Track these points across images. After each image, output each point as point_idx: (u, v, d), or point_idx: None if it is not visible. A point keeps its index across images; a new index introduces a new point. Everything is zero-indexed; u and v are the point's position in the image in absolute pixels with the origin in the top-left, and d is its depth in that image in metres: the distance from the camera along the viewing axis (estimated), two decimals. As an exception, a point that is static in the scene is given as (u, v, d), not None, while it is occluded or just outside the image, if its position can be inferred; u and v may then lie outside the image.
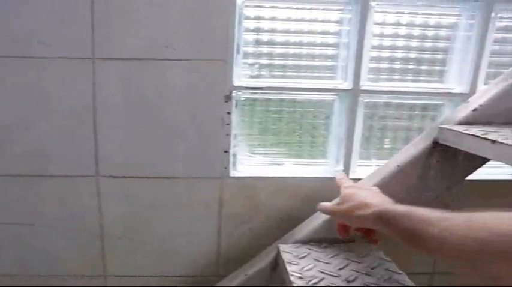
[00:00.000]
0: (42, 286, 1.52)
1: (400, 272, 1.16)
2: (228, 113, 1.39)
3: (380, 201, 0.93)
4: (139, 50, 1.32)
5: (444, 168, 1.28)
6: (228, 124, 1.40)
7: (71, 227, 1.47)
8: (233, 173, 1.46)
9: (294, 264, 1.18)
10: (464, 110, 1.27)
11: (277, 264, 1.33)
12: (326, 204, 1.13)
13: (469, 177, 1.32)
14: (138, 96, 1.36)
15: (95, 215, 1.46)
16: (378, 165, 1.43)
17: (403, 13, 1.42)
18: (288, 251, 1.26)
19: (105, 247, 1.50)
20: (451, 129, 1.19)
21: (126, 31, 1.30)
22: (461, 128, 1.17)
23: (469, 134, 1.10)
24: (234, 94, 1.39)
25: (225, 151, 1.42)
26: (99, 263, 1.52)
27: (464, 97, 1.43)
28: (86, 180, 1.42)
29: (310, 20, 1.39)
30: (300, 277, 1.11)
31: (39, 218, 1.46)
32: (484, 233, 0.55)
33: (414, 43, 1.45)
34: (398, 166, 1.26)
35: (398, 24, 1.42)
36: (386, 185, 1.25)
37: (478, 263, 0.56)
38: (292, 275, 1.12)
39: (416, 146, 1.29)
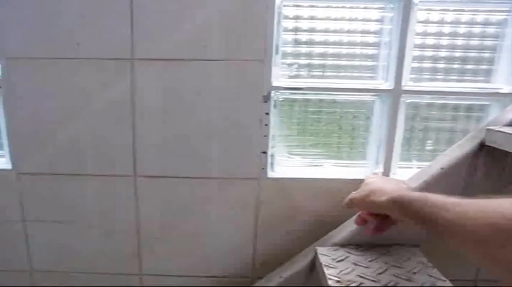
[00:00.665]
0: (78, 285, 1.58)
1: (444, 278, 1.13)
2: (267, 113, 1.39)
3: (396, 188, 0.95)
4: (178, 50, 1.34)
5: (491, 171, 1.24)
6: (266, 125, 1.40)
7: (108, 226, 1.51)
8: (271, 174, 1.46)
9: (331, 267, 1.17)
10: (515, 111, 1.23)
11: (314, 267, 1.32)
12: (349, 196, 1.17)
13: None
14: (176, 96, 1.38)
15: (131, 215, 1.49)
16: (420, 167, 1.40)
17: (448, 10, 1.38)
18: (325, 254, 1.25)
19: (141, 246, 1.53)
20: (499, 131, 1.15)
21: (165, 31, 1.32)
22: (510, 130, 1.13)
23: (519, 136, 1.07)
24: (272, 94, 1.39)
25: (263, 152, 1.42)
26: (135, 262, 1.55)
27: (513, 97, 1.39)
28: (124, 179, 1.45)
29: (350, 19, 1.38)
30: (338, 281, 1.10)
31: (77, 217, 1.50)
32: (496, 218, 0.54)
33: (459, 41, 1.41)
34: (442, 168, 1.23)
35: (442, 22, 1.39)
36: (429, 188, 1.23)
37: (491, 248, 0.55)
38: (329, 278, 1.11)
39: (462, 148, 1.25)
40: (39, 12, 1.31)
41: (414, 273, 1.15)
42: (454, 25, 1.39)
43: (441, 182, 1.24)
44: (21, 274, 1.57)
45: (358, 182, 1.44)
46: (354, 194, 1.14)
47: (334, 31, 1.39)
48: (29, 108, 1.39)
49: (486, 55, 1.42)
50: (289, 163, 1.49)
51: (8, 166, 1.45)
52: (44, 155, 1.43)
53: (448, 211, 0.65)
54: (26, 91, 1.37)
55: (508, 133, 1.11)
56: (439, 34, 1.40)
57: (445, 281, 1.12)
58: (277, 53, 1.37)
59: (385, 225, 1.08)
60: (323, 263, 1.20)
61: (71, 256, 1.55)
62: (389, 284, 1.09)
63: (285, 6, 1.35)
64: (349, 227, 1.32)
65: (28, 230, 1.52)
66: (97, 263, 1.56)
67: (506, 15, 1.39)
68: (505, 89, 1.42)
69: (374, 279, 1.12)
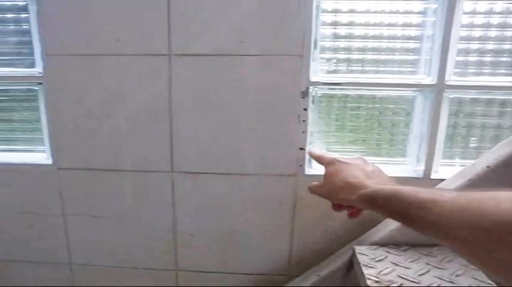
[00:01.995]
0: (114, 279, 1.62)
1: (489, 282, 1.10)
2: (305, 109, 1.38)
3: (363, 179, 0.85)
4: (215, 46, 1.35)
5: (543, 170, 1.20)
6: (304, 121, 1.39)
7: (145, 222, 1.54)
8: (308, 171, 1.45)
9: (370, 267, 1.16)
10: None
11: (351, 266, 1.31)
12: (311, 184, 0.96)
13: None
14: (213, 92, 1.39)
15: (168, 211, 1.52)
16: (463, 165, 1.37)
17: (496, 0, 1.33)
18: (364, 253, 1.24)
19: (177, 242, 1.56)
20: (550, 128, 1.11)
21: (202, 27, 1.34)
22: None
23: None
24: (310, 90, 1.39)
25: (301, 148, 1.42)
26: (171, 258, 1.58)
27: None
28: (161, 175, 1.48)
29: (391, 12, 1.35)
30: (377, 281, 1.09)
31: (114, 212, 1.55)
32: (476, 218, 0.52)
33: (509, 32, 1.35)
34: (488, 166, 1.20)
35: (490, 12, 1.34)
36: (473, 187, 1.20)
37: (475, 250, 0.53)
38: (368, 278, 1.11)
39: (509, 145, 1.22)
40: (79, 9, 1.35)
41: (458, 275, 1.13)
42: (503, 16, 1.34)
43: (487, 181, 1.20)
44: (61, 267, 1.63)
45: (398, 180, 1.42)
46: (317, 189, 0.94)
47: (374, 25, 1.37)
48: (69, 104, 1.43)
49: (537, 47, 1.37)
50: (327, 160, 1.47)
51: (49, 161, 1.51)
52: (83, 150, 1.48)
53: (424, 211, 0.62)
54: (66, 88, 1.42)
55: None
56: (487, 25, 1.35)
57: (491, 284, 1.09)
58: (315, 47, 1.36)
59: (360, 210, 0.97)
60: (361, 263, 1.19)
61: (108, 250, 1.59)
62: (431, 286, 1.07)
63: (323, -1, 1.35)
64: (388, 226, 1.31)
65: (68, 224, 1.57)
66: (134, 258, 1.60)
67: (559, 3, 1.33)
68: (556, 83, 1.37)
69: (415, 280, 1.10)
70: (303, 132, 1.41)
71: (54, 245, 1.60)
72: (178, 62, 1.37)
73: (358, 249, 1.27)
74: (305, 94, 1.37)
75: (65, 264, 1.62)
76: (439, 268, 1.16)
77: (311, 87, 1.38)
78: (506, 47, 1.37)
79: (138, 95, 1.41)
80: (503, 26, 1.35)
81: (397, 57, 1.39)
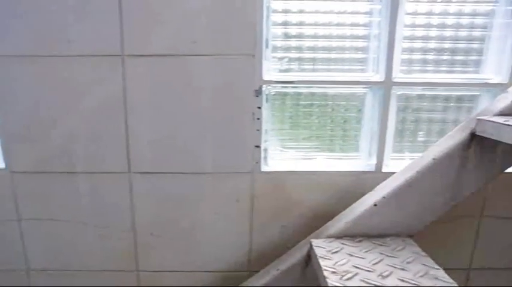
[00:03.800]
0: (74, 283, 1.55)
1: (437, 267, 1.11)
2: (259, 107, 1.36)
3: None
4: (168, 46, 1.31)
5: (482, 160, 1.22)
6: (258, 119, 1.37)
7: (103, 224, 1.48)
8: (264, 168, 1.43)
9: (327, 259, 1.15)
10: (504, 101, 1.21)
11: (309, 259, 1.30)
12: None
13: (509, 170, 1.26)
14: (168, 92, 1.35)
15: (127, 212, 1.47)
16: (412, 158, 1.38)
17: (435, 1, 1.36)
18: (320, 246, 1.23)
19: (137, 242, 1.51)
20: (489, 121, 1.13)
21: (154, 28, 1.30)
22: (500, 119, 1.11)
23: (509, 125, 1.04)
24: (264, 88, 1.37)
25: (256, 146, 1.40)
26: (131, 259, 1.53)
27: (503, 87, 1.37)
28: (118, 176, 1.43)
29: (339, 12, 1.36)
30: (334, 272, 1.08)
31: (72, 215, 1.48)
32: None
33: (448, 32, 1.38)
34: (434, 159, 1.21)
35: (431, 13, 1.37)
36: (422, 179, 1.21)
37: None
38: (325, 270, 1.10)
39: (453, 138, 1.23)
40: (30, 10, 1.28)
41: (408, 263, 1.13)
42: (442, 16, 1.37)
43: (434, 172, 1.22)
44: (18, 273, 1.54)
45: (351, 175, 1.44)
46: None
47: (324, 24, 1.36)
48: (22, 107, 1.36)
49: (475, 46, 1.40)
50: (282, 157, 1.47)
51: (2, 165, 1.42)
52: (37, 153, 1.40)
53: None
54: (19, 90, 1.34)
55: (498, 123, 1.09)
56: (428, 26, 1.38)
57: (439, 269, 1.10)
58: (267, 47, 1.35)
59: None
60: (318, 255, 1.18)
61: (67, 254, 1.52)
62: (385, 274, 1.07)
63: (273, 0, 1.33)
64: (343, 219, 1.30)
65: (23, 229, 1.48)
66: (93, 261, 1.53)
67: (494, 5, 1.37)
68: (494, 79, 1.40)
69: (369, 269, 1.10)
70: (258, 130, 1.39)
71: (10, 250, 1.51)
72: (132, 62, 1.32)
73: (315, 242, 1.26)
74: (258, 93, 1.35)
75: (22, 270, 1.53)
76: (391, 256, 1.17)
77: (264, 85, 1.37)
78: (446, 45, 1.40)
79: (91, 96, 1.35)
80: (442, 26, 1.38)
81: (346, 55, 1.39)
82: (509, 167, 1.24)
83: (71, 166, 1.42)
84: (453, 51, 1.40)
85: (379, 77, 1.38)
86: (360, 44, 1.38)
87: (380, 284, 1.03)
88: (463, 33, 1.39)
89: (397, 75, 1.39)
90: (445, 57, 1.41)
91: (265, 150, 1.43)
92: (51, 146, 1.39)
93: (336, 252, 1.19)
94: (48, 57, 1.32)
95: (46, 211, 1.47)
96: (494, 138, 1.11)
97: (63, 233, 1.49)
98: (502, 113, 1.18)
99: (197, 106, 1.36)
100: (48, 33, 1.30)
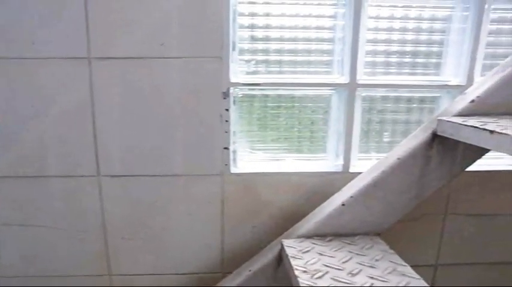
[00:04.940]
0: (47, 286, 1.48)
1: (404, 264, 1.11)
2: (227, 109, 1.34)
3: None
4: (135, 48, 1.27)
5: (445, 159, 1.23)
6: (226, 121, 1.35)
7: (74, 228, 1.42)
8: (234, 169, 1.41)
9: (298, 258, 1.14)
10: (462, 102, 1.22)
11: (281, 259, 1.28)
12: None
13: (470, 168, 1.27)
14: (136, 95, 1.31)
15: (97, 215, 1.41)
16: (378, 158, 1.38)
17: (396, 6, 1.37)
18: (291, 246, 1.21)
19: (108, 246, 1.45)
20: (449, 121, 1.14)
21: (121, 30, 1.26)
22: (459, 120, 1.12)
23: (467, 125, 1.05)
24: (231, 91, 1.34)
25: (225, 148, 1.37)
26: (103, 263, 1.47)
27: (461, 89, 1.38)
28: (88, 180, 1.37)
29: (304, 15, 1.34)
30: (305, 271, 1.07)
31: (43, 219, 1.41)
32: None
33: (409, 36, 1.39)
34: (398, 158, 1.22)
35: (392, 17, 1.37)
36: (387, 178, 1.21)
37: None
38: (296, 269, 1.08)
39: (416, 138, 1.24)
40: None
41: (377, 260, 1.13)
42: (403, 20, 1.38)
43: (399, 171, 1.22)
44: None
45: (319, 175, 1.43)
46: None
47: (290, 27, 1.35)
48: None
49: (435, 49, 1.42)
50: (251, 158, 1.44)
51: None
52: (7, 158, 1.34)
53: None
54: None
55: (457, 123, 1.10)
56: (390, 29, 1.39)
57: (406, 266, 1.10)
58: (234, 49, 1.32)
59: None
60: (289, 255, 1.16)
61: (39, 259, 1.45)
62: (354, 272, 1.06)
63: (240, 3, 1.31)
64: (313, 219, 1.29)
65: (-7, 235, 1.41)
66: (65, 265, 1.46)
67: (451, 11, 1.39)
68: (453, 81, 1.42)
69: (339, 267, 1.09)
70: (226, 132, 1.36)
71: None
72: (99, 65, 1.27)
73: (286, 242, 1.24)
74: (226, 95, 1.33)
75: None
76: (360, 254, 1.16)
77: (231, 88, 1.34)
78: (408, 49, 1.41)
79: (59, 99, 1.29)
80: (404, 30, 1.39)
81: (312, 58, 1.38)
82: (470, 165, 1.26)
83: (42, 170, 1.36)
84: (414, 54, 1.41)
85: (344, 79, 1.38)
86: (325, 46, 1.37)
87: (350, 282, 1.02)
88: (423, 37, 1.40)
89: (361, 77, 1.38)
90: (406, 60, 1.42)
91: (234, 152, 1.41)
92: (20, 150, 1.33)
93: (307, 251, 1.18)
94: (13, 60, 1.26)
95: (17, 216, 1.40)
96: (454, 138, 1.12)
97: (34, 239, 1.42)
98: (460, 114, 1.20)
99: (166, 108, 1.32)
100: (14, 35, 1.24)
